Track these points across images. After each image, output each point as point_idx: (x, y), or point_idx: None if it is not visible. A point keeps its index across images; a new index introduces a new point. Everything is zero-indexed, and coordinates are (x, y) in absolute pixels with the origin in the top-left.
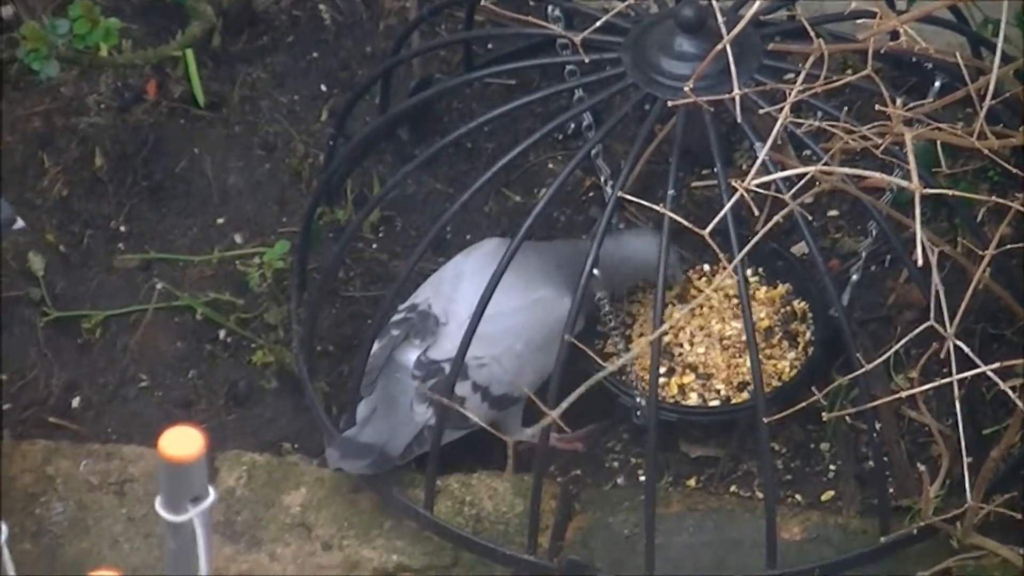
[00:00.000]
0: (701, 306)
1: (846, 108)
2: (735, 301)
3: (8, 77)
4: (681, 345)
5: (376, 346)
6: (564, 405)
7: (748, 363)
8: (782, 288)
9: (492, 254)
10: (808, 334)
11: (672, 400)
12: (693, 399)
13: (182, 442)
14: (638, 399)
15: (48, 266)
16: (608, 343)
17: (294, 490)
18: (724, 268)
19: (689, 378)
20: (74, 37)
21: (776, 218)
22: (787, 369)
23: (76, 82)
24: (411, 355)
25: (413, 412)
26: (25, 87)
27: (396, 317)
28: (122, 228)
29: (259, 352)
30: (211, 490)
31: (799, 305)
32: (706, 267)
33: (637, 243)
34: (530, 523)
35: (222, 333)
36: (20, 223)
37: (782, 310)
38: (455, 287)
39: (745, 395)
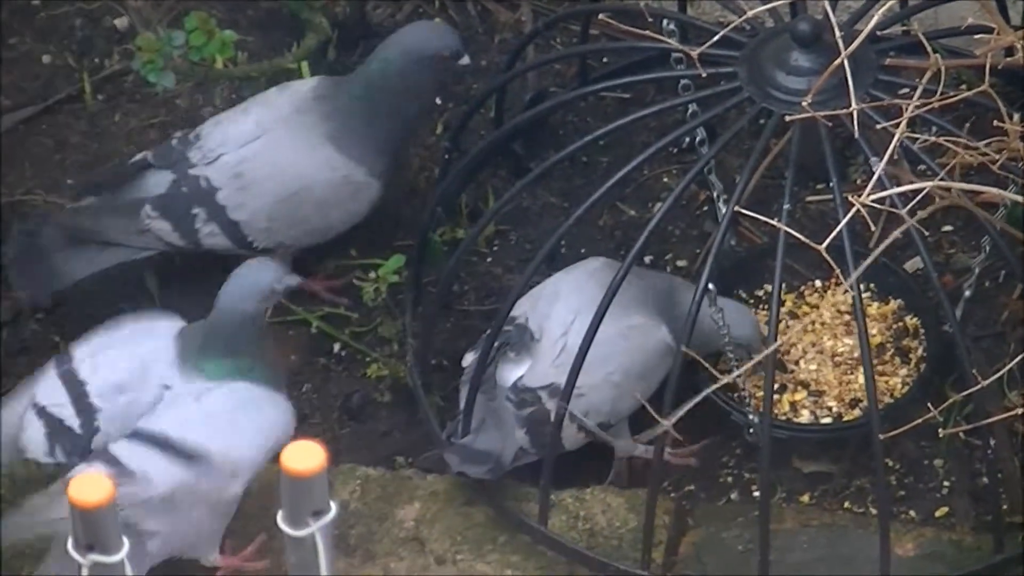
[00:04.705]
0: (813, 322)
1: (965, 124)
2: (847, 317)
3: (124, 88)
4: (794, 362)
5: (471, 356)
6: (678, 415)
7: (860, 380)
8: (894, 304)
9: (591, 274)
10: (920, 350)
11: (784, 417)
12: (805, 416)
13: (303, 456)
14: (750, 416)
15: (161, 283)
16: (722, 358)
17: (407, 504)
18: (836, 284)
19: (801, 395)
20: (190, 49)
21: (895, 234)
22: (899, 385)
23: (191, 94)
24: (508, 373)
25: (514, 431)
26: (141, 98)
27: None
28: None
29: (373, 365)
30: (332, 504)
31: (911, 321)
32: (817, 283)
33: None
34: (644, 538)
35: (336, 347)
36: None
37: (894, 326)
38: (551, 304)
39: (857, 412)
